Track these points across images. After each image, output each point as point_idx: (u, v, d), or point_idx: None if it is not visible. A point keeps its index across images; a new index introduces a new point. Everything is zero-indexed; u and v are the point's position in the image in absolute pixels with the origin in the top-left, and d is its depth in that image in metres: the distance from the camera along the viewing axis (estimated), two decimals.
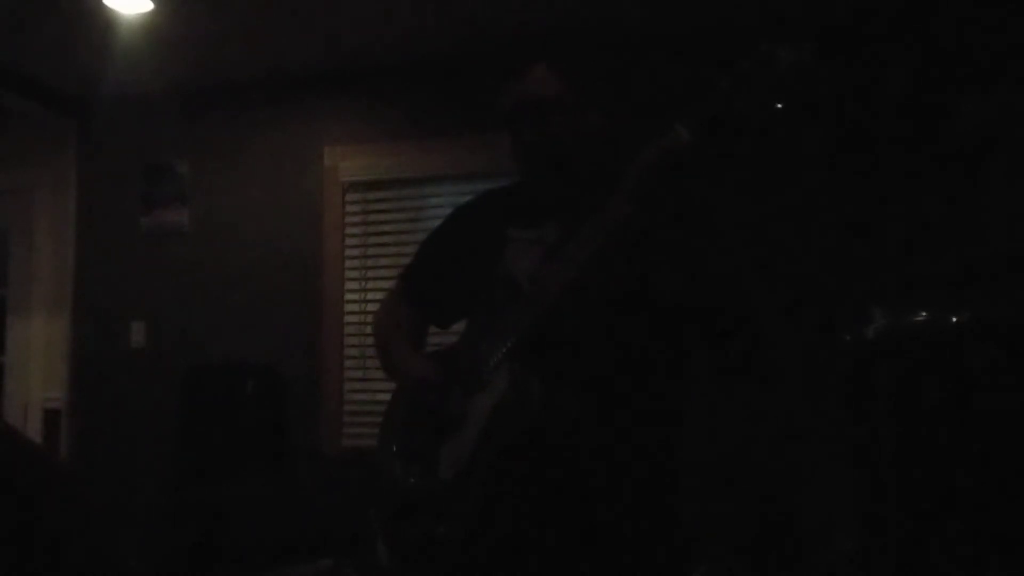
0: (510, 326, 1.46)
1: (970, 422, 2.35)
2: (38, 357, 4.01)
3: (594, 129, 1.56)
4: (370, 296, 3.50)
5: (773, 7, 2.85)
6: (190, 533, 3.24)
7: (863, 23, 2.97)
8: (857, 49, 2.96)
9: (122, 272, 3.84)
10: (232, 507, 3.21)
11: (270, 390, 3.48)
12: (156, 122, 3.86)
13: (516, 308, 1.47)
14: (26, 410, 3.96)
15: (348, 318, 3.55)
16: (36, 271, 4.05)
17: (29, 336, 4.04)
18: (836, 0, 2.90)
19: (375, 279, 3.52)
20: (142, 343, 3.77)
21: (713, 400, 2.80)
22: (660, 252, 1.42)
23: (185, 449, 3.45)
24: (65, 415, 3.85)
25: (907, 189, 2.90)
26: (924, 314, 2.43)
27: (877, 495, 2.47)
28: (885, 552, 2.42)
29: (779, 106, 1.30)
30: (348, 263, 3.58)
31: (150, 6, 3.00)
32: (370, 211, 3.60)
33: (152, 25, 3.14)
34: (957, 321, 2.38)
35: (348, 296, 3.57)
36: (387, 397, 1.69)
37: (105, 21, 3.09)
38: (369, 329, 1.95)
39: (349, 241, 3.59)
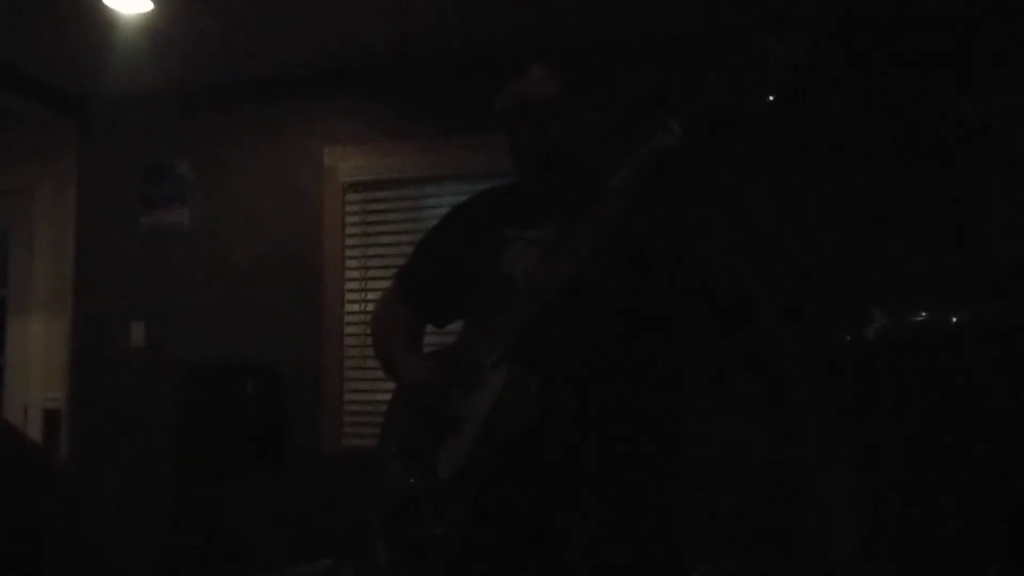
0: (508, 326, 1.46)
1: (970, 422, 2.35)
2: (38, 357, 4.02)
3: (591, 129, 1.56)
4: (370, 296, 3.50)
5: (771, 6, 2.85)
6: (190, 533, 3.24)
7: (863, 23, 2.97)
8: (857, 48, 2.96)
9: (122, 272, 3.84)
10: (232, 507, 3.21)
11: (270, 390, 3.48)
12: (156, 122, 3.86)
13: (514, 308, 1.46)
14: (26, 410, 3.96)
15: (348, 318, 3.55)
16: (36, 271, 4.04)
17: (29, 336, 4.03)
18: (838, 1, 2.90)
19: (375, 279, 3.52)
20: (142, 343, 3.77)
21: (713, 400, 2.80)
22: (657, 251, 1.42)
23: (185, 449, 3.45)
24: (65, 415, 3.85)
25: (907, 189, 2.90)
26: (924, 314, 2.43)
27: (877, 495, 2.47)
28: (885, 552, 2.42)
29: (771, 99, 1.30)
30: (348, 263, 3.58)
31: (150, 6, 3.00)
32: (370, 211, 3.60)
33: (152, 25, 3.13)
34: (957, 321, 2.38)
35: (348, 296, 3.57)
36: (387, 397, 1.69)
37: (105, 21, 3.09)
38: (369, 329, 1.95)
39: (349, 241, 3.59)
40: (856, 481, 2.57)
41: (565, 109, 1.54)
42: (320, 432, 3.50)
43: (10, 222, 4.13)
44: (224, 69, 3.60)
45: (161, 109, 3.83)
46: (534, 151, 1.54)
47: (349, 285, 3.58)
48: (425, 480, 1.49)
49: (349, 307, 3.56)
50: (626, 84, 3.11)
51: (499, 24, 3.11)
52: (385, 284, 1.85)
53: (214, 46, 3.37)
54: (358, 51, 3.42)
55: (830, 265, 2.92)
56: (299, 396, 3.50)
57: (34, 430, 3.85)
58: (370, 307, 3.43)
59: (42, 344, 4.00)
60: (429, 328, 1.79)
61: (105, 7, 2.98)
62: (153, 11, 3.03)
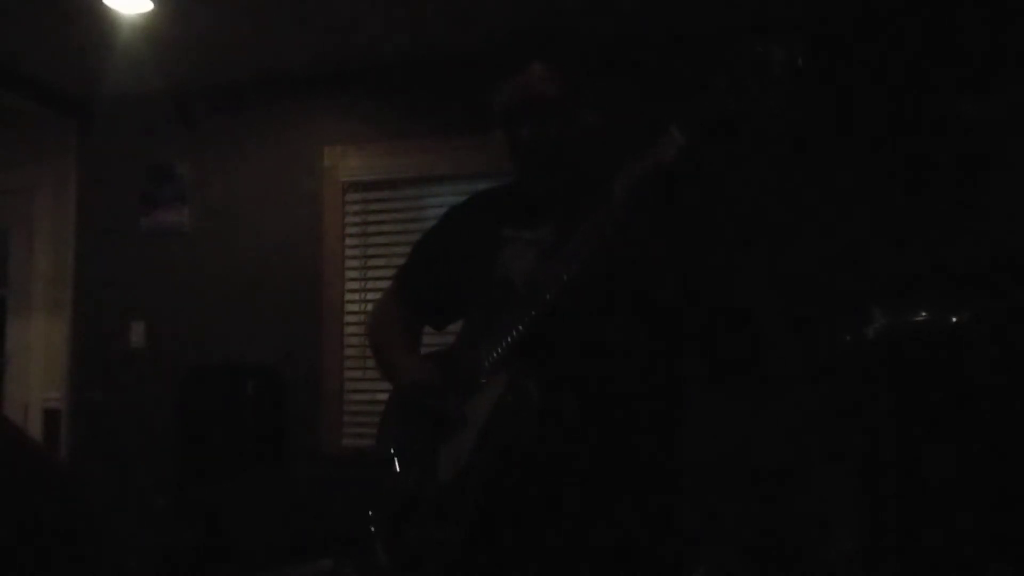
0: (507, 328, 1.45)
1: (969, 421, 2.35)
2: (38, 357, 4.02)
3: (591, 129, 1.55)
4: (370, 296, 3.50)
5: (772, 7, 2.85)
6: (190, 533, 3.24)
7: (863, 23, 2.97)
8: (857, 49, 2.96)
9: (122, 272, 3.84)
10: (232, 507, 3.21)
11: (270, 390, 3.48)
12: (156, 122, 3.86)
13: (513, 309, 1.46)
14: (26, 410, 3.96)
15: (348, 318, 3.55)
16: (36, 271, 4.05)
17: (29, 336, 4.04)
18: (838, 1, 2.90)
19: (375, 279, 3.52)
20: (142, 343, 3.77)
21: (713, 401, 2.80)
22: (657, 254, 1.42)
23: (185, 449, 3.45)
24: (65, 415, 3.85)
25: (907, 188, 2.90)
26: (924, 314, 2.43)
27: (877, 495, 2.47)
28: (885, 552, 2.42)
29: (774, 105, 1.30)
30: (348, 263, 3.58)
31: (150, 6, 3.00)
32: (370, 211, 3.60)
33: (152, 25, 3.13)
34: (957, 321, 2.38)
35: (348, 296, 3.57)
36: (387, 397, 1.69)
37: (105, 21, 3.09)
38: (366, 330, 1.94)
39: (349, 241, 3.59)
40: (856, 481, 2.57)
41: (565, 108, 1.52)
42: (320, 432, 3.50)
43: (10, 222, 4.13)
44: (224, 69, 3.60)
45: (161, 109, 3.83)
46: (533, 149, 1.53)
47: (349, 285, 3.58)
48: (425, 482, 1.49)
49: (349, 307, 3.56)
50: (626, 85, 3.11)
51: (499, 24, 3.11)
52: (385, 284, 1.84)
53: (214, 46, 3.37)
54: (358, 51, 3.42)
55: (830, 265, 2.92)
56: (299, 396, 3.50)
57: (34, 430, 3.85)
58: (370, 307, 3.43)
59: (42, 344, 4.01)
60: (427, 329, 1.78)
61: (105, 7, 2.98)
62: (153, 11, 3.03)
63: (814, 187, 2.99)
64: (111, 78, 3.60)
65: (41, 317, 4.02)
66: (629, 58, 3.19)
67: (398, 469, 1.54)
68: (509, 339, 1.45)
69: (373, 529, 1.57)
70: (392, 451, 1.57)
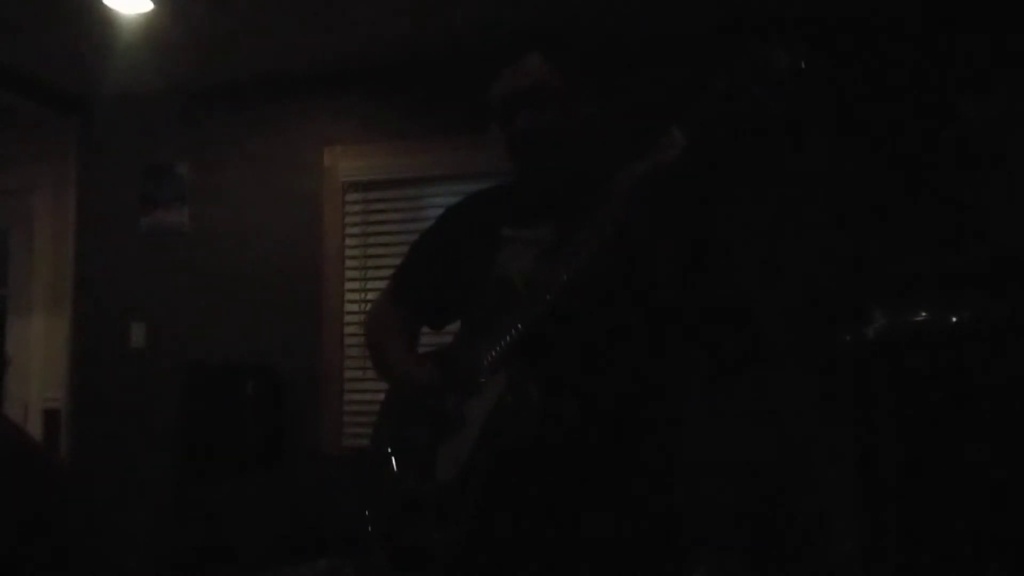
0: (506, 328, 1.44)
1: (969, 421, 2.35)
2: (38, 357, 4.02)
3: (589, 122, 1.54)
4: (370, 296, 3.50)
5: (772, 7, 2.85)
6: (190, 533, 3.24)
7: (864, 24, 2.97)
8: (858, 49, 2.96)
9: (122, 272, 3.84)
10: (232, 507, 3.21)
11: (270, 390, 3.48)
12: (156, 122, 3.86)
13: (512, 309, 1.45)
14: (26, 410, 3.96)
15: (348, 318, 3.55)
16: (36, 271, 4.05)
17: (29, 336, 4.04)
18: (838, 2, 2.90)
19: (375, 279, 3.52)
20: (142, 343, 3.77)
21: (713, 401, 2.80)
22: (657, 254, 1.41)
23: (185, 449, 3.45)
24: (65, 415, 3.85)
25: (907, 189, 2.90)
26: (924, 314, 2.43)
27: (877, 495, 2.47)
28: (885, 552, 2.42)
29: (774, 105, 1.29)
30: (348, 263, 3.58)
31: (150, 6, 2.99)
32: (370, 211, 3.60)
33: (152, 25, 3.13)
34: (957, 321, 2.38)
35: (348, 296, 3.57)
36: (384, 396, 1.68)
37: (105, 21, 3.09)
38: (363, 330, 1.93)
39: (349, 241, 3.59)
40: (856, 481, 2.57)
41: (563, 98, 1.50)
42: (320, 432, 3.50)
43: (10, 222, 4.13)
44: (224, 69, 3.60)
45: (161, 109, 3.83)
46: (530, 139, 1.50)
47: (349, 285, 3.58)
48: (423, 483, 1.48)
49: (349, 307, 3.56)
50: (626, 84, 3.11)
51: (500, 24, 3.11)
52: (385, 284, 1.84)
53: (214, 46, 3.37)
54: (358, 51, 3.42)
55: (830, 265, 2.92)
56: (299, 396, 3.50)
57: (34, 430, 3.85)
58: (370, 307, 3.44)
59: (42, 344, 4.01)
60: (424, 329, 1.78)
61: (105, 7, 2.98)
62: (153, 11, 3.03)
63: (814, 187, 2.99)
64: (111, 78, 3.61)
65: (41, 317, 4.02)
66: (629, 58, 3.19)
67: (396, 469, 1.54)
68: (509, 338, 1.44)
69: (370, 529, 1.57)
70: (389, 451, 1.56)
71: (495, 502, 1.43)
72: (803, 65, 1.27)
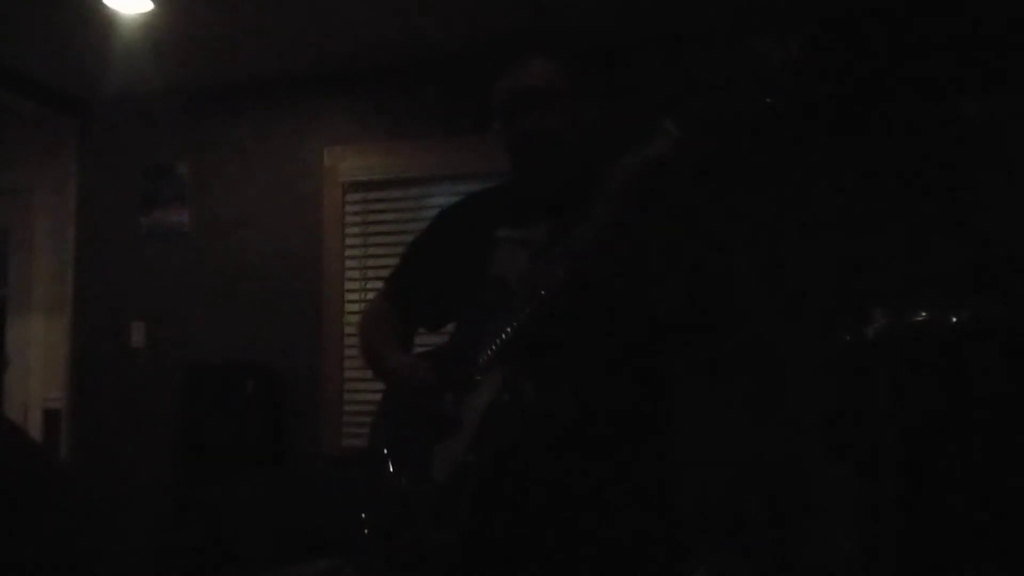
0: (501, 326, 1.44)
1: (970, 421, 2.35)
2: (38, 357, 4.02)
3: (590, 123, 1.53)
4: (370, 296, 3.49)
5: (772, 6, 2.85)
6: (190, 533, 3.24)
7: (862, 21, 2.97)
8: (858, 49, 2.96)
9: (122, 272, 3.84)
10: (232, 507, 3.21)
11: (270, 390, 3.48)
12: (156, 122, 3.86)
13: (508, 309, 1.45)
14: (26, 410, 3.96)
15: (348, 318, 3.55)
16: (36, 271, 4.05)
17: (29, 336, 4.04)
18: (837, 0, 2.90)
19: (375, 279, 3.52)
20: (142, 343, 3.77)
21: (713, 400, 2.80)
22: (653, 253, 1.41)
23: (185, 449, 3.45)
24: (65, 415, 3.85)
25: (908, 189, 2.90)
26: (924, 314, 2.43)
27: (877, 495, 2.47)
28: (885, 552, 2.42)
29: (769, 102, 1.29)
30: (348, 263, 3.59)
31: (150, 6, 3.00)
32: (370, 211, 3.60)
33: (152, 25, 3.13)
34: (957, 321, 2.38)
35: (348, 296, 3.57)
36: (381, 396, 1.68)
37: (105, 21, 3.09)
38: (358, 331, 1.92)
39: (349, 241, 3.60)
40: (856, 481, 2.57)
41: (565, 100, 1.50)
42: (320, 432, 3.50)
43: (10, 222, 4.13)
44: (224, 69, 3.60)
45: (161, 109, 3.83)
46: (532, 142, 1.50)
47: (349, 285, 3.58)
48: (420, 482, 1.48)
49: (349, 307, 3.56)
50: (626, 84, 3.11)
51: (499, 24, 3.11)
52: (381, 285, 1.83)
53: (214, 46, 3.37)
54: (358, 51, 3.42)
55: (830, 265, 2.92)
56: (299, 396, 3.50)
57: (34, 430, 3.85)
58: (365, 308, 3.44)
59: (42, 344, 4.01)
60: (420, 330, 1.77)
61: (105, 7, 2.98)
62: (153, 11, 3.03)
63: (814, 187, 2.99)
64: (111, 78, 3.60)
65: (41, 317, 4.02)
66: (629, 58, 3.19)
67: (392, 469, 1.54)
68: (504, 337, 1.43)
69: (368, 530, 1.56)
70: (385, 451, 1.56)
71: (491, 501, 1.42)
72: (797, 59, 1.27)
